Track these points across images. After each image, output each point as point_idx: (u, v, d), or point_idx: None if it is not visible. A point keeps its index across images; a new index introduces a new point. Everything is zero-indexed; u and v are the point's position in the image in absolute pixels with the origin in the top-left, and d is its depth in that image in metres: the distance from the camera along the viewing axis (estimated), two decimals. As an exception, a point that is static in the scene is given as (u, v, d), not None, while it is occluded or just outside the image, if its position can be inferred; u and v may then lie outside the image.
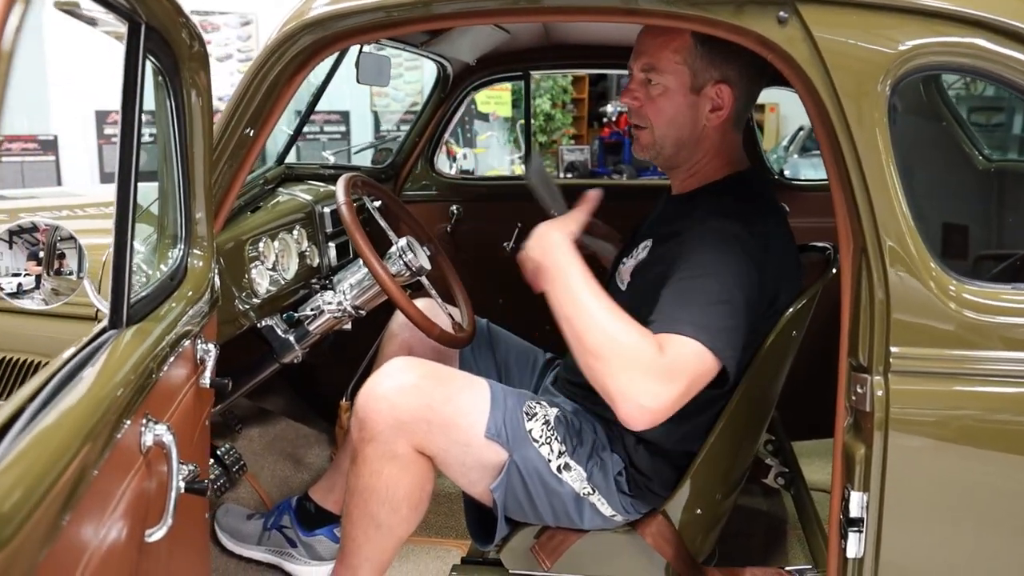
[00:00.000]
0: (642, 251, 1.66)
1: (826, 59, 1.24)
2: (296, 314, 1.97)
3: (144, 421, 1.01)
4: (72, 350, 0.98)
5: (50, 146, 7.45)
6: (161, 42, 1.14)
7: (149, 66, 1.14)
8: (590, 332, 1.40)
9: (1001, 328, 1.25)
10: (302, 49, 1.50)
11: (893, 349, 1.26)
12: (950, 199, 1.60)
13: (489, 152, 8.96)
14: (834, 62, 1.24)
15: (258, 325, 1.91)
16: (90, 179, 7.32)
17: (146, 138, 1.14)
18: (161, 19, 1.10)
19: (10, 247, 1.31)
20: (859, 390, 1.30)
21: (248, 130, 1.58)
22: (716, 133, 1.61)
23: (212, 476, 2.13)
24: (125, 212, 1.04)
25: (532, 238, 1.54)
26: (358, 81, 2.20)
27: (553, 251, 1.49)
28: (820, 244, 1.81)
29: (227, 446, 2.22)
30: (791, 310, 1.56)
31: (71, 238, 1.28)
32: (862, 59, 1.24)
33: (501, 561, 1.70)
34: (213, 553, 2.05)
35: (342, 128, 8.29)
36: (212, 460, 2.15)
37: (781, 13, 1.26)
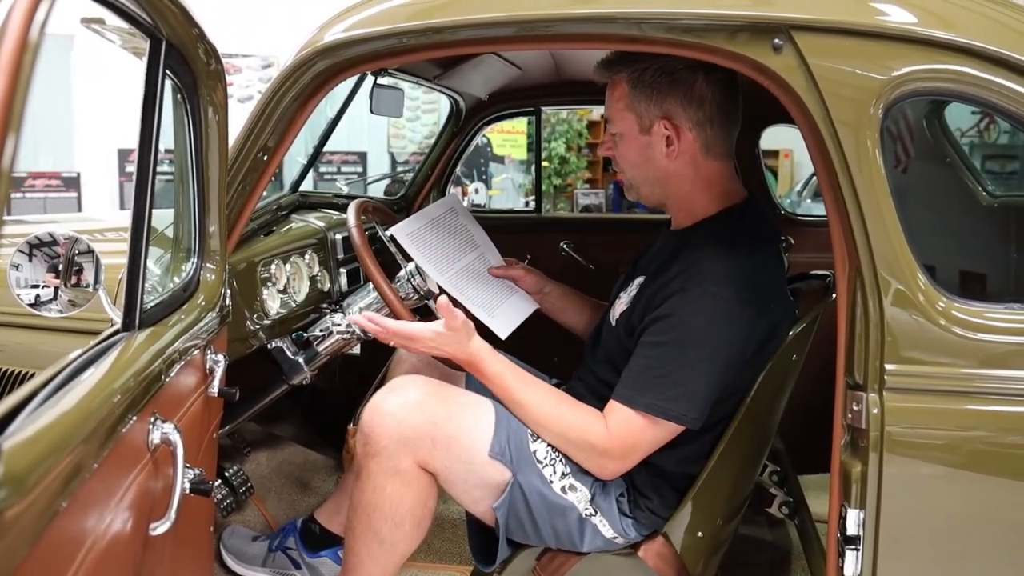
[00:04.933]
0: (634, 289, 1.69)
1: (820, 85, 1.28)
2: (305, 335, 2.01)
3: (152, 419, 1.04)
4: (83, 349, 1.02)
5: (73, 183, 7.62)
6: (180, 59, 1.19)
7: (168, 83, 1.20)
8: (539, 422, 1.61)
9: (988, 346, 1.27)
10: (316, 74, 1.55)
11: (888, 366, 1.28)
12: (945, 223, 1.63)
13: (504, 194, 9.06)
14: (828, 88, 1.28)
15: (268, 346, 1.94)
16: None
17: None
18: (181, 37, 1.15)
19: (30, 259, 1.36)
20: (855, 408, 1.31)
21: (262, 154, 1.63)
22: (685, 166, 1.64)
23: (219, 497, 2.15)
24: (141, 217, 1.08)
25: (441, 345, 1.65)
26: (371, 111, 2.26)
27: (473, 351, 1.64)
28: (821, 272, 1.84)
29: (235, 468, 2.24)
30: (791, 334, 1.59)
31: (89, 251, 1.33)
32: (855, 85, 1.27)
33: (503, 583, 1.71)
34: (218, 574, 2.07)
35: (359, 168, 8.43)
36: (219, 481, 2.17)
37: (776, 40, 1.30)
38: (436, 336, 1.63)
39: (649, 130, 1.63)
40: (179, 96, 1.29)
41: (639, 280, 1.69)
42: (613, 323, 1.70)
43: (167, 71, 1.15)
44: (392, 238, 2.03)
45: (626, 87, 1.63)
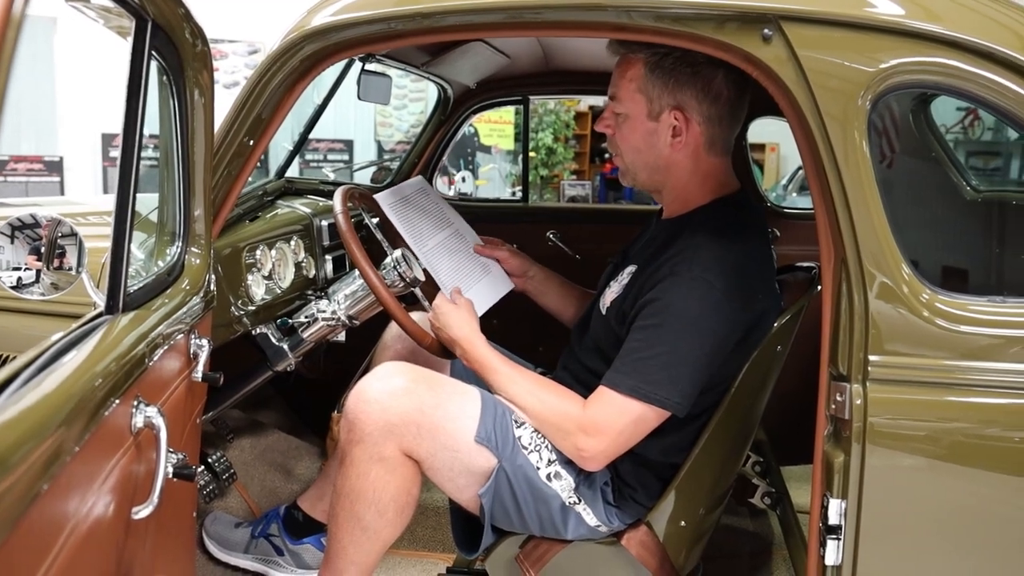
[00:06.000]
0: (625, 277, 1.69)
1: (809, 76, 1.28)
2: (290, 321, 2.00)
3: (135, 403, 1.03)
4: (65, 331, 1.01)
5: (55, 167, 7.55)
6: (166, 40, 1.18)
7: (154, 64, 1.18)
8: (522, 403, 1.63)
9: (971, 338, 1.28)
10: (304, 59, 1.54)
11: (871, 358, 1.29)
12: (930, 216, 1.64)
13: (491, 184, 9.05)
14: (816, 80, 1.28)
15: (252, 332, 1.93)
16: (93, 199, 7.41)
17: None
18: (167, 17, 1.14)
19: (11, 241, 1.34)
20: (838, 398, 1.32)
21: (248, 139, 1.61)
22: (686, 159, 1.64)
23: (202, 483, 2.14)
24: (125, 199, 1.07)
25: (438, 316, 1.76)
26: (359, 98, 2.25)
27: (466, 339, 1.71)
28: (806, 264, 1.84)
29: (218, 454, 2.23)
30: (776, 325, 1.59)
31: (72, 233, 1.31)
32: (844, 77, 1.28)
33: (486, 571, 1.71)
34: (200, 561, 2.06)
35: (345, 156, 8.41)
36: (203, 467, 2.16)
37: (765, 31, 1.30)
38: (448, 309, 1.76)
39: (658, 117, 1.61)
40: (165, 78, 1.27)
41: (631, 268, 1.69)
42: (603, 311, 1.70)
43: (152, 52, 1.13)
44: (379, 225, 2.03)
45: (642, 69, 1.60)
